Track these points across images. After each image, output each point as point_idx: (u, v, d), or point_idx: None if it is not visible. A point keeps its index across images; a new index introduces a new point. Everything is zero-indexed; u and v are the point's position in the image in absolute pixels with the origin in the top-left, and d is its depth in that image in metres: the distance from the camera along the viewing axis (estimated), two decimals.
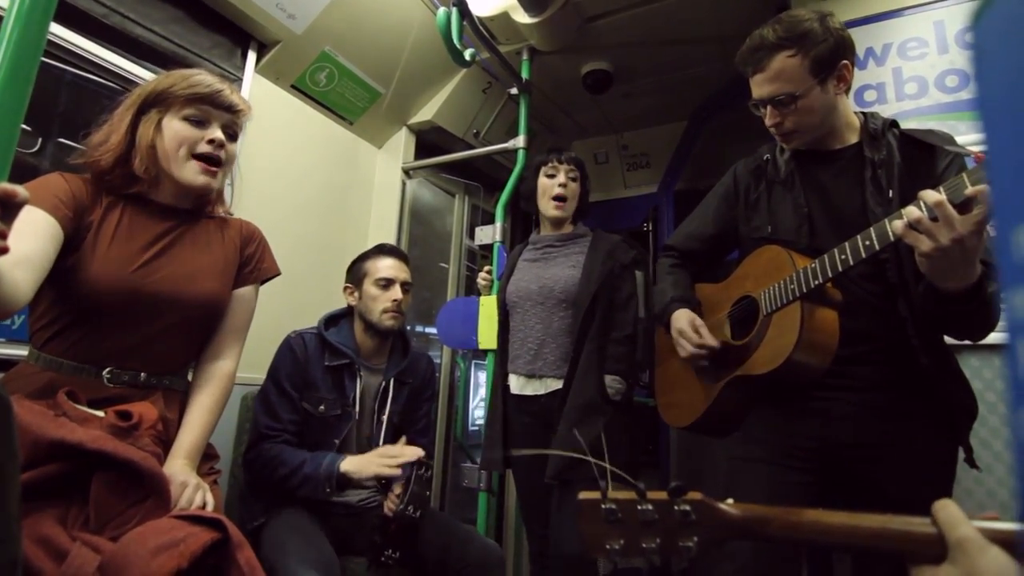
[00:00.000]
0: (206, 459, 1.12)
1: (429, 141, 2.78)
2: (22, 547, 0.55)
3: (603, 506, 0.52)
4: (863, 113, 1.19)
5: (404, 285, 1.65)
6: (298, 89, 2.19)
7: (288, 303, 1.93)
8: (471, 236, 2.94)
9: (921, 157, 1.09)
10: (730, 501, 0.52)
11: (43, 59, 0.69)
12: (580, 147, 3.54)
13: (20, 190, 0.59)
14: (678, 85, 2.87)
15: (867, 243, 0.97)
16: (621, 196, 3.59)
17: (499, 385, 1.75)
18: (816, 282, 1.04)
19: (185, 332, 1.12)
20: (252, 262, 1.24)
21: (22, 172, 1.45)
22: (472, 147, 2.75)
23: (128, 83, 1.66)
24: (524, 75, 2.48)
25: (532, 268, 1.77)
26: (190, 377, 1.19)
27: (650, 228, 3.31)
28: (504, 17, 2.32)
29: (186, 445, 1.04)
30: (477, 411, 2.86)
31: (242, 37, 1.99)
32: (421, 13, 2.27)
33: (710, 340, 1.20)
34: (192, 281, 1.10)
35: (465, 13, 1.95)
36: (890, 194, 1.07)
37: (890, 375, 1.07)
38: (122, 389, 1.03)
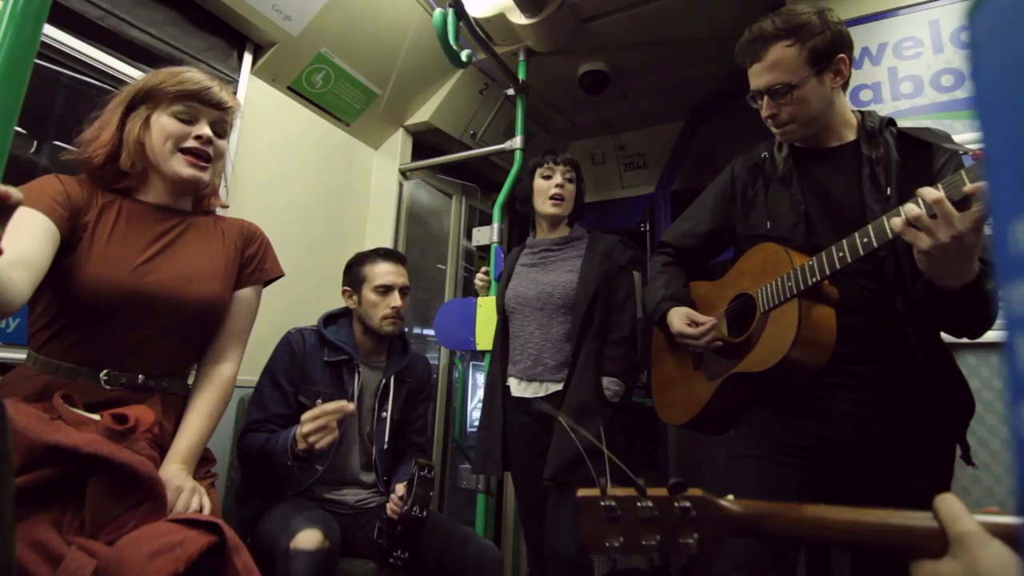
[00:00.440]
0: (202, 463, 1.11)
1: (426, 142, 2.78)
2: (16, 552, 0.55)
3: (602, 503, 0.51)
4: (860, 111, 1.19)
5: (403, 290, 1.65)
6: (294, 91, 2.19)
7: (285, 305, 1.92)
8: (468, 237, 2.94)
9: (918, 155, 1.09)
10: (731, 497, 0.52)
11: (37, 61, 0.68)
12: (577, 147, 3.54)
13: (14, 192, 0.59)
14: (675, 85, 2.88)
15: (865, 240, 0.97)
16: (618, 196, 3.60)
17: (497, 388, 1.74)
18: (814, 279, 1.04)
19: (184, 334, 1.12)
20: (253, 263, 1.23)
21: (18, 174, 1.44)
22: (469, 148, 2.75)
23: (124, 86, 1.65)
24: (521, 76, 2.48)
25: (530, 273, 1.76)
26: (190, 380, 1.18)
27: (647, 228, 3.31)
28: (500, 18, 2.32)
29: (183, 449, 1.04)
30: (475, 412, 2.85)
31: (238, 39, 1.99)
32: (417, 14, 2.27)
33: (708, 322, 1.21)
34: (191, 282, 1.09)
35: (461, 14, 1.95)
36: (888, 191, 1.07)
37: (888, 373, 1.07)
38: (120, 391, 1.03)
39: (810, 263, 1.05)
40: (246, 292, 1.22)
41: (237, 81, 1.98)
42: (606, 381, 1.58)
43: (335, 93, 2.29)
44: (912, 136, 1.11)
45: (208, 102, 1.10)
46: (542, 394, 1.65)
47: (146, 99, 1.08)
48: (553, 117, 3.23)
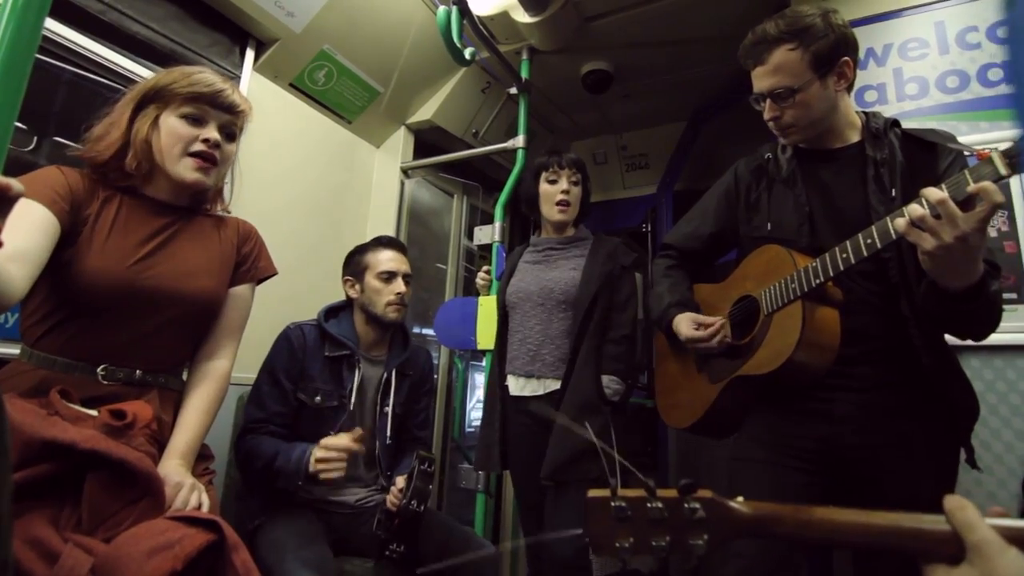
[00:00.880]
0: (201, 459, 1.10)
1: (428, 141, 2.77)
2: (13, 549, 0.54)
3: (612, 504, 0.51)
4: (864, 112, 1.18)
5: (406, 277, 1.65)
6: (296, 88, 2.18)
7: (285, 302, 1.92)
8: (469, 236, 2.93)
9: (923, 156, 1.08)
10: (740, 499, 0.51)
11: (38, 56, 0.68)
12: (579, 147, 3.54)
13: (15, 184, 0.58)
14: (678, 86, 2.87)
15: (869, 241, 0.96)
16: (620, 196, 3.59)
17: (497, 386, 1.74)
18: (817, 281, 1.03)
19: (181, 329, 1.11)
20: (248, 261, 1.23)
21: (18, 170, 1.43)
22: (471, 147, 2.75)
23: (125, 81, 1.65)
24: (524, 75, 2.47)
25: (533, 270, 1.76)
26: (185, 376, 1.18)
27: (649, 229, 3.30)
28: (504, 16, 2.31)
29: (181, 445, 1.03)
30: (474, 412, 2.85)
31: (240, 35, 1.99)
32: (420, 12, 2.27)
33: (717, 322, 1.20)
34: (188, 277, 1.09)
35: (465, 12, 1.94)
36: (893, 192, 1.07)
37: (892, 375, 1.06)
38: (117, 387, 1.02)
39: (814, 265, 1.04)
40: (241, 289, 1.22)
41: (239, 77, 1.97)
42: (606, 379, 1.58)
43: (337, 90, 2.29)
44: (917, 137, 1.11)
45: (219, 105, 1.09)
46: (540, 392, 1.65)
47: (156, 98, 1.07)
48: (555, 116, 3.23)
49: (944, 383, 1.04)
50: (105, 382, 1.01)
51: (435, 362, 2.69)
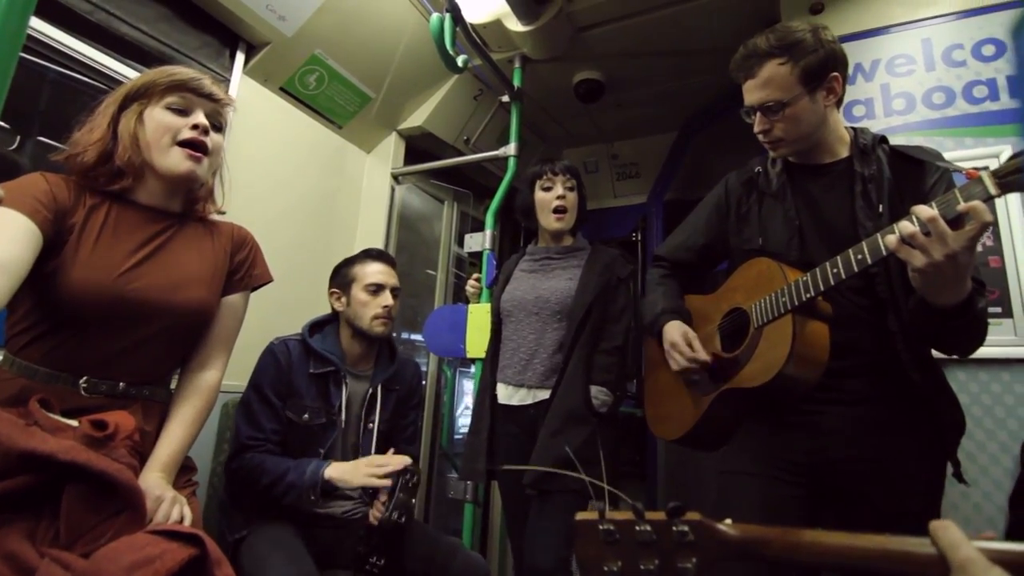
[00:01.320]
0: (183, 471, 1.08)
1: (419, 147, 2.77)
2: None
3: (601, 527, 0.50)
4: (852, 128, 1.20)
5: (394, 291, 1.63)
6: (287, 92, 2.16)
7: (273, 309, 1.89)
8: (460, 243, 2.92)
9: (910, 172, 1.10)
10: (728, 521, 0.51)
11: (23, 55, 0.66)
12: (571, 156, 3.55)
13: None
14: (669, 96, 2.89)
15: (859, 257, 0.97)
16: (611, 205, 3.61)
17: (487, 394, 1.73)
18: (808, 295, 1.04)
19: (169, 341, 1.08)
20: (243, 269, 1.21)
21: (1, 170, 1.41)
22: (462, 154, 2.75)
23: (113, 82, 1.63)
24: (516, 83, 2.48)
25: (529, 278, 1.75)
26: (172, 386, 1.15)
27: (639, 238, 3.32)
28: (497, 25, 2.32)
29: (163, 457, 1.01)
30: (462, 419, 2.83)
31: (230, 38, 1.97)
32: (413, 18, 2.26)
33: (702, 355, 1.20)
34: (179, 289, 1.06)
35: (458, 19, 1.94)
36: (880, 208, 1.08)
37: (879, 389, 1.07)
38: (99, 399, 0.99)
39: (804, 279, 1.05)
40: (234, 298, 1.19)
41: (229, 80, 1.95)
42: (594, 390, 1.57)
43: (328, 95, 2.27)
44: (904, 154, 1.12)
45: (201, 93, 1.07)
46: (529, 401, 1.64)
47: (138, 96, 1.05)
48: (547, 125, 3.24)
49: (931, 397, 1.05)
50: (87, 394, 0.98)
51: (423, 369, 2.67)
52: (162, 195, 1.09)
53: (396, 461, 1.42)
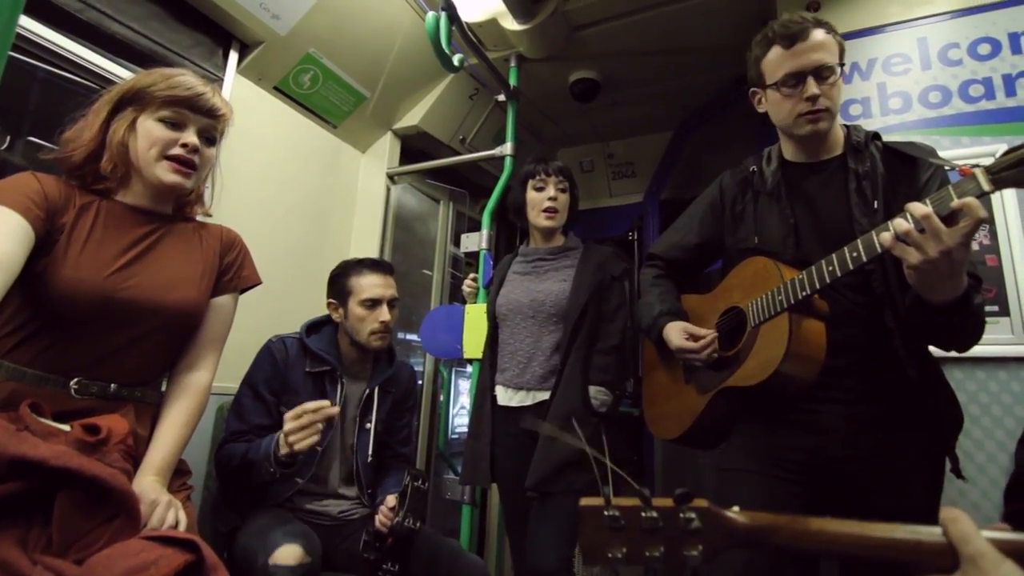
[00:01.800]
0: (178, 475, 1.07)
1: (414, 146, 2.75)
2: None
3: (606, 513, 0.49)
4: (845, 125, 1.20)
5: (391, 303, 1.60)
6: (281, 91, 2.15)
7: (268, 310, 1.88)
8: (456, 243, 2.91)
9: (903, 168, 1.10)
10: (736, 509, 0.51)
11: (12, 54, 0.65)
12: (566, 155, 3.55)
13: None
14: (665, 95, 2.89)
15: (854, 254, 0.97)
16: (606, 205, 3.61)
17: (487, 396, 1.72)
18: (804, 293, 1.04)
19: (159, 342, 1.07)
20: (232, 270, 1.20)
21: None
22: (458, 153, 2.74)
23: (104, 81, 1.61)
24: (512, 82, 2.47)
25: (523, 281, 1.75)
26: (163, 388, 1.14)
27: (635, 237, 3.32)
28: (493, 23, 2.31)
29: (157, 461, 0.99)
30: (458, 419, 2.82)
31: (224, 36, 1.95)
32: (408, 17, 2.25)
33: (708, 335, 1.20)
34: (169, 289, 1.06)
35: (454, 18, 1.94)
36: (875, 205, 1.08)
37: (877, 386, 1.07)
38: (90, 401, 0.98)
39: (800, 277, 1.05)
40: (223, 299, 1.18)
41: (222, 80, 1.94)
42: (593, 390, 1.57)
43: (322, 94, 2.26)
44: (897, 150, 1.12)
45: (199, 109, 1.06)
46: (529, 403, 1.63)
47: (134, 101, 1.04)
48: (543, 124, 3.23)
49: (929, 394, 1.05)
50: (78, 396, 0.97)
51: (419, 369, 2.67)
52: (149, 198, 1.09)
53: (313, 406, 1.24)
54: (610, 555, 0.49)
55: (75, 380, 0.97)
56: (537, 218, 1.73)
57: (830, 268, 1.00)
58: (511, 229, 3.32)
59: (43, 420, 0.89)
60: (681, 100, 2.92)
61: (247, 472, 1.34)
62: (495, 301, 1.76)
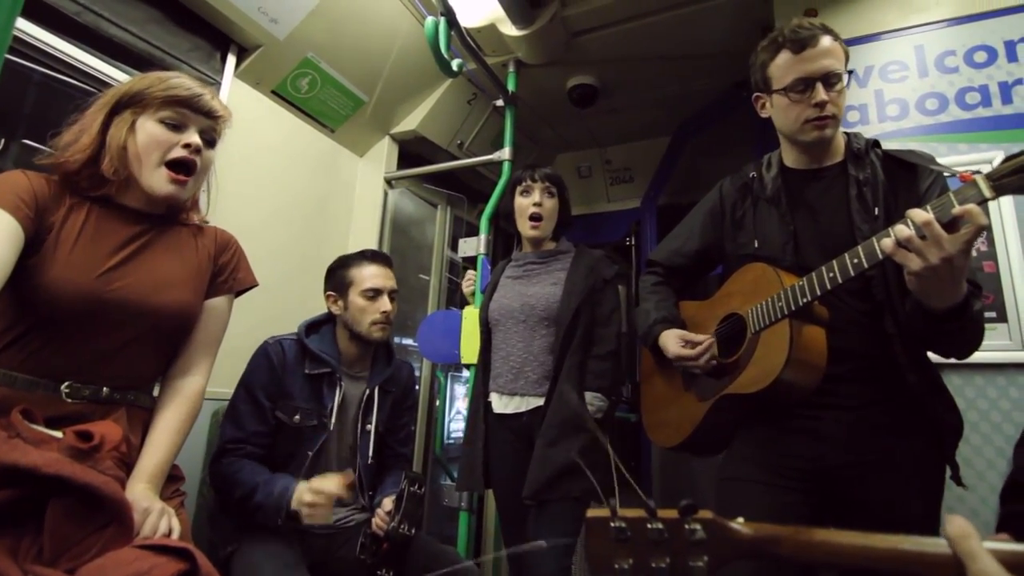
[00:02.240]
0: (170, 481, 1.05)
1: (412, 151, 2.75)
2: None
3: (612, 524, 0.50)
4: (846, 132, 1.20)
5: (391, 294, 1.60)
6: (279, 95, 2.15)
7: (264, 315, 1.87)
8: (453, 248, 2.91)
9: (903, 175, 1.10)
10: (740, 520, 0.51)
11: (9, 57, 0.64)
12: (564, 160, 3.55)
13: None
14: (663, 101, 2.90)
15: (855, 261, 0.96)
16: (604, 210, 3.61)
17: (480, 404, 1.71)
18: (804, 300, 1.03)
19: (152, 344, 1.06)
20: (226, 272, 1.18)
21: None
22: (456, 158, 2.74)
23: (101, 84, 1.60)
24: (510, 87, 2.47)
25: (514, 285, 1.74)
26: (156, 392, 1.12)
27: (632, 242, 3.32)
28: (491, 29, 2.32)
29: (149, 468, 0.98)
30: (454, 423, 2.81)
31: (222, 40, 1.95)
32: (407, 22, 2.25)
33: (705, 341, 1.19)
34: (160, 290, 1.04)
35: (453, 23, 1.94)
36: (876, 212, 1.08)
37: (877, 392, 1.07)
38: (82, 405, 0.97)
39: (800, 283, 1.04)
40: (218, 301, 1.16)
41: (220, 83, 1.93)
42: (589, 396, 1.56)
43: (320, 99, 2.26)
44: (897, 157, 1.13)
45: (199, 110, 1.05)
46: (524, 409, 1.62)
47: (132, 103, 1.03)
48: (541, 129, 3.24)
49: (929, 400, 1.05)
50: (70, 400, 0.96)
51: (417, 375, 2.66)
52: (144, 201, 1.08)
53: (334, 489, 1.32)
54: (616, 566, 0.50)
55: (66, 384, 0.96)
56: (523, 226, 1.74)
57: (831, 274, 1.00)
58: (509, 234, 3.31)
59: (35, 427, 0.87)
60: (679, 106, 2.93)
61: (252, 511, 1.33)
62: (488, 307, 1.75)
